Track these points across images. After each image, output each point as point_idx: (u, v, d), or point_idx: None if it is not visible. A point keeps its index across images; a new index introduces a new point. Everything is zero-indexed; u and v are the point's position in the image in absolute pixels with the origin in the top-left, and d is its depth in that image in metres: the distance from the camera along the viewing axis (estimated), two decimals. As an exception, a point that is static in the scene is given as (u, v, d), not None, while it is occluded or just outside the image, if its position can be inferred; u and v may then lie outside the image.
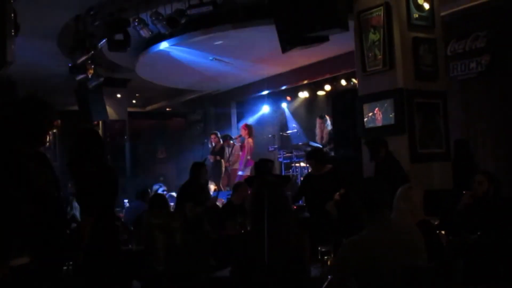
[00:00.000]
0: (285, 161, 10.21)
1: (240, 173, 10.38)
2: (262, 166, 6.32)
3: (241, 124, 10.49)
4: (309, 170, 7.29)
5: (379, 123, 6.08)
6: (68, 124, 9.54)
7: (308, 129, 10.73)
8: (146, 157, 14.14)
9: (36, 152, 2.78)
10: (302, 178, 6.66)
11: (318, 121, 9.66)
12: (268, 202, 2.86)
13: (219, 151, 10.82)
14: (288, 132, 10.94)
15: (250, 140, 10.20)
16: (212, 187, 9.61)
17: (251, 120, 12.30)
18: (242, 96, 12.60)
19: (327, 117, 9.59)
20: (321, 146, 9.03)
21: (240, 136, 10.41)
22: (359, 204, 2.85)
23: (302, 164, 9.39)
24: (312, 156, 6.06)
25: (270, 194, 2.91)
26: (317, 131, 9.65)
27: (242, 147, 10.53)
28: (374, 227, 2.77)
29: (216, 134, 11.17)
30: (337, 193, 5.45)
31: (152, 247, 5.04)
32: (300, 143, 9.56)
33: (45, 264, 2.61)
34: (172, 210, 6.37)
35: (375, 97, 6.14)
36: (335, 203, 5.46)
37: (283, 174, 10.04)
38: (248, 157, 10.17)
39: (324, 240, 3.56)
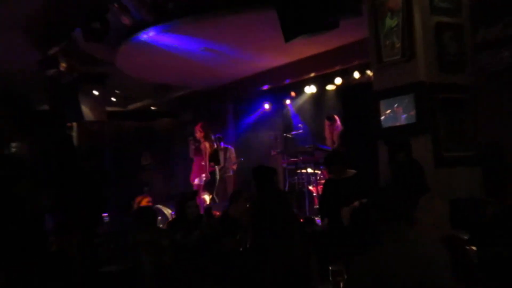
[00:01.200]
0: (289, 167, 10.20)
1: (196, 181, 10.29)
2: (262, 173, 6.32)
3: (198, 125, 10.34)
4: (326, 176, 7.33)
5: (399, 122, 6.10)
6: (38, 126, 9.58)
7: (315, 130, 10.74)
8: (129, 164, 14.15)
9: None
10: (323, 185, 6.75)
11: (326, 123, 9.69)
12: (271, 216, 2.88)
13: (213, 157, 10.81)
14: (293, 133, 10.95)
15: (207, 144, 10.09)
16: (206, 197, 9.63)
17: (249, 119, 12.34)
18: (239, 92, 12.62)
19: (336, 118, 9.61)
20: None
21: (194, 138, 10.27)
22: (374, 215, 2.89)
23: (310, 170, 9.38)
24: (336, 161, 6.15)
25: (274, 206, 2.93)
26: (327, 134, 9.68)
27: (197, 151, 10.40)
28: (389, 240, 2.82)
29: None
30: (358, 201, 5.52)
31: (138, 268, 5.06)
32: (307, 146, 9.56)
33: (19, 282, 2.65)
34: (160, 225, 6.38)
35: (392, 92, 6.17)
36: (351, 210, 5.52)
37: (287, 181, 10.05)
38: (203, 163, 10.08)
39: (335, 254, 3.59)
